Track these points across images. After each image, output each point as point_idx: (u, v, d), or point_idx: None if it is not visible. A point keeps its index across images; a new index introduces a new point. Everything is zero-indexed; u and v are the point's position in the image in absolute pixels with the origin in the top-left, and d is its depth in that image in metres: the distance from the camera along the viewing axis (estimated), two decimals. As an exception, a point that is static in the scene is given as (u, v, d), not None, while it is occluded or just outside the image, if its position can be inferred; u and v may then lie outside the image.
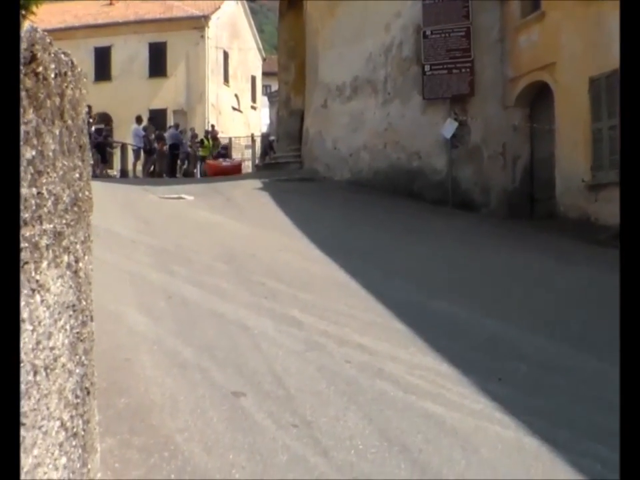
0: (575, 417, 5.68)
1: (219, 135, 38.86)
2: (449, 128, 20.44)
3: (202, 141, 36.89)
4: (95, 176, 19.35)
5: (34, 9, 8.29)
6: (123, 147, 34.99)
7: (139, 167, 32.81)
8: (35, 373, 2.14)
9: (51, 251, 2.30)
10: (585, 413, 5.77)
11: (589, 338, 8.07)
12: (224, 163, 36.07)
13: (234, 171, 33.80)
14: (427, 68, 21.07)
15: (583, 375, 6.82)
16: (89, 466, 2.88)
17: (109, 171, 32.27)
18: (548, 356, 7.35)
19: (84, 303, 2.78)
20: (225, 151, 39.60)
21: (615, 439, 5.12)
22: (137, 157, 32.67)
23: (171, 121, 41.24)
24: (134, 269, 9.73)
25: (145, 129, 32.83)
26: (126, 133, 34.91)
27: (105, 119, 39.36)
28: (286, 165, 26.54)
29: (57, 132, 2.41)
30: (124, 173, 33.39)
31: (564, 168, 17.94)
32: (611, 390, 6.30)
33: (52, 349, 2.32)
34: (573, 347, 7.67)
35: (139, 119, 32.84)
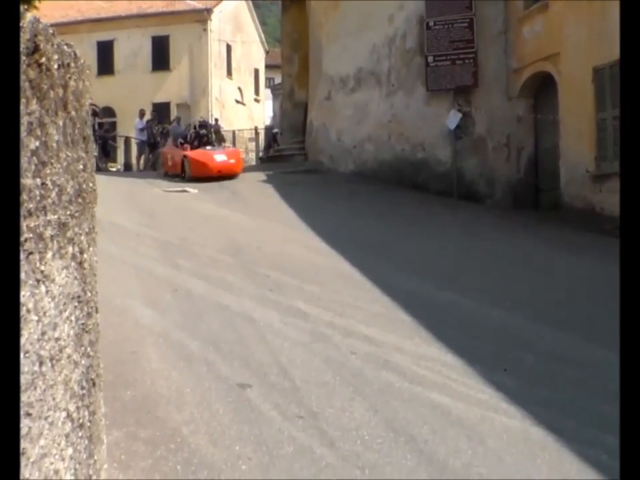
0: (581, 407, 5.67)
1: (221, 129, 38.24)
2: (452, 119, 20.41)
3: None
4: (98, 169, 19.32)
5: (36, 3, 8.28)
6: (127, 141, 34.97)
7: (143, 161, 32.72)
8: (41, 364, 2.14)
9: (55, 242, 2.31)
10: (591, 403, 5.77)
11: (595, 328, 8.05)
12: (217, 154, 22.13)
13: (235, 168, 21.82)
14: (430, 59, 21.02)
15: (589, 364, 6.81)
16: (95, 457, 2.89)
17: (111, 164, 32.16)
18: (554, 346, 7.34)
19: (89, 294, 2.79)
20: (204, 130, 24.28)
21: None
22: (140, 151, 32.61)
23: (174, 114, 41.17)
24: (139, 263, 9.75)
25: (148, 122, 32.78)
26: (130, 126, 34.84)
27: (109, 112, 39.37)
28: (290, 158, 26.52)
29: (61, 123, 2.41)
30: (128, 167, 33.39)
31: (568, 158, 17.89)
32: (617, 379, 6.30)
33: (57, 339, 2.33)
34: (579, 337, 7.66)
35: (141, 113, 32.80)
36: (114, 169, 31.85)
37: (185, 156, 22.00)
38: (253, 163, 35.15)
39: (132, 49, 44.57)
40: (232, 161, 21.94)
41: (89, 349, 2.76)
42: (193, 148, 22.51)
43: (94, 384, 2.87)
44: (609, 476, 4.41)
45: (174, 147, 24.06)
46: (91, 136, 2.90)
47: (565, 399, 5.82)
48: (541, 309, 8.78)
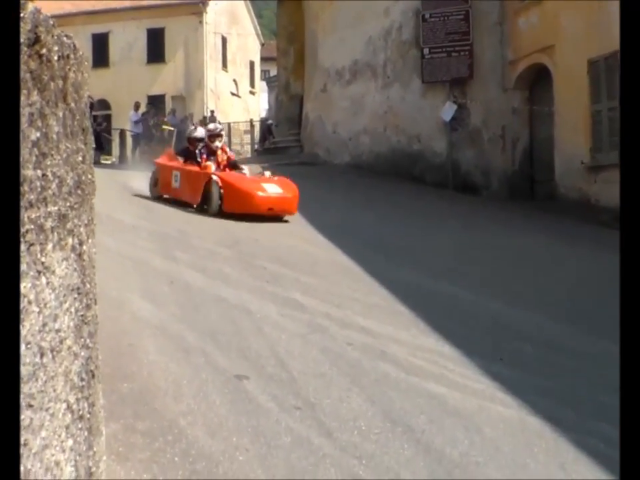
0: (579, 397, 5.71)
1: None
2: (448, 111, 20.45)
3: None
4: (94, 163, 19.20)
5: (32, -4, 8.26)
6: (122, 134, 34.96)
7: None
8: (42, 355, 2.15)
9: (55, 233, 2.31)
10: (589, 393, 5.80)
11: (594, 319, 8.10)
12: (268, 182, 14.16)
13: (291, 207, 14.02)
14: (426, 51, 21.06)
15: (587, 355, 6.85)
16: (95, 449, 2.90)
17: (105, 157, 32.07)
18: (551, 336, 7.38)
19: (88, 285, 2.80)
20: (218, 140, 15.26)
21: (616, 417, 5.14)
22: (135, 144, 32.62)
23: (169, 106, 41.13)
24: (136, 255, 9.74)
25: (143, 114, 32.82)
26: (125, 119, 34.85)
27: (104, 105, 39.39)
28: (286, 150, 26.56)
29: (61, 114, 2.42)
30: (123, 160, 33.35)
31: (563, 150, 17.95)
32: (615, 369, 6.32)
33: (58, 331, 2.33)
34: (577, 327, 7.70)
35: (136, 106, 32.85)
36: (108, 162, 31.77)
37: (212, 179, 13.95)
38: (249, 155, 35.10)
39: (127, 41, 44.52)
40: (289, 195, 14.00)
41: (88, 340, 2.76)
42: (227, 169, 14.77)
43: (93, 375, 2.87)
44: (606, 464, 4.44)
45: (177, 158, 15.78)
46: (89, 128, 2.91)
47: (562, 388, 5.85)
48: (539, 300, 8.82)
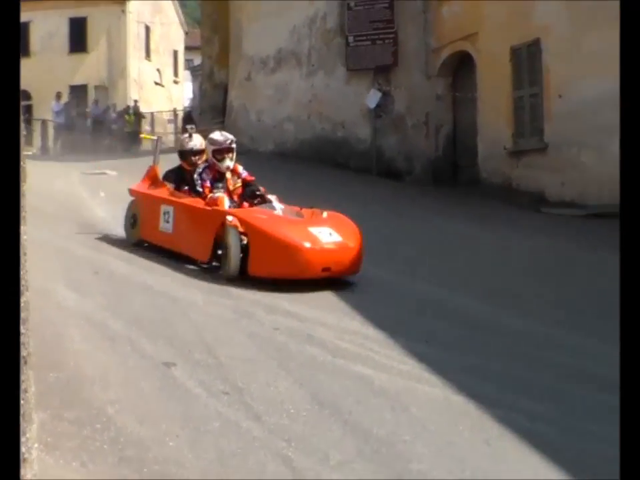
0: (501, 374, 5.83)
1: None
2: (372, 98, 20.55)
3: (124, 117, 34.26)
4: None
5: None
6: (44, 124, 34.50)
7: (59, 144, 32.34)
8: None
9: (-10, 219, 2.33)
10: (510, 369, 5.93)
11: (514, 297, 8.29)
12: (315, 225, 8.80)
13: (356, 263, 8.60)
14: (350, 39, 21.12)
15: (510, 333, 6.99)
16: (27, 435, 2.91)
17: (25, 148, 31.58)
18: (474, 316, 7.52)
19: (21, 272, 2.81)
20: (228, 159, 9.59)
21: (539, 393, 5.31)
22: (58, 134, 32.26)
23: (92, 96, 40.64)
24: (60, 245, 9.68)
25: (65, 104, 32.48)
26: (47, 109, 34.36)
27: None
28: (210, 138, 26.42)
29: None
30: (45, 150, 32.94)
31: (486, 135, 18.18)
32: (534, 345, 6.53)
33: (-8, 317, 2.35)
34: (499, 306, 7.86)
35: (58, 96, 32.47)
36: (29, 153, 31.31)
37: (228, 222, 8.62)
38: (172, 145, 34.87)
39: (48, 30, 43.68)
40: (351, 244, 8.73)
41: (21, 327, 2.77)
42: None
43: (25, 362, 2.88)
44: (530, 439, 4.56)
45: (164, 183, 10.72)
46: (21, 115, 2.92)
47: (485, 367, 5.97)
48: (462, 280, 9.01)
